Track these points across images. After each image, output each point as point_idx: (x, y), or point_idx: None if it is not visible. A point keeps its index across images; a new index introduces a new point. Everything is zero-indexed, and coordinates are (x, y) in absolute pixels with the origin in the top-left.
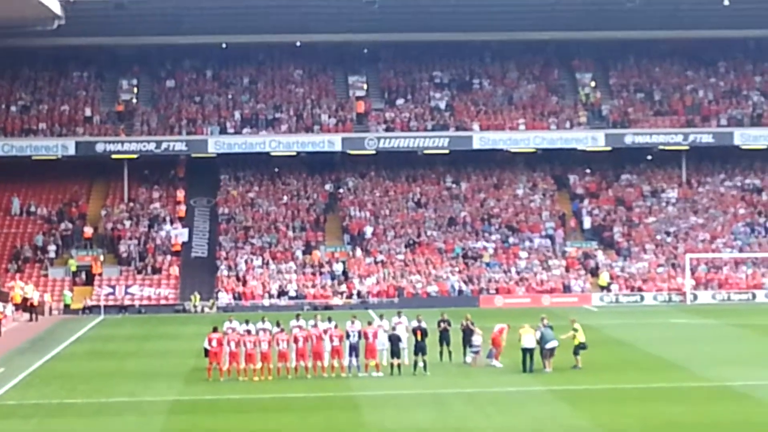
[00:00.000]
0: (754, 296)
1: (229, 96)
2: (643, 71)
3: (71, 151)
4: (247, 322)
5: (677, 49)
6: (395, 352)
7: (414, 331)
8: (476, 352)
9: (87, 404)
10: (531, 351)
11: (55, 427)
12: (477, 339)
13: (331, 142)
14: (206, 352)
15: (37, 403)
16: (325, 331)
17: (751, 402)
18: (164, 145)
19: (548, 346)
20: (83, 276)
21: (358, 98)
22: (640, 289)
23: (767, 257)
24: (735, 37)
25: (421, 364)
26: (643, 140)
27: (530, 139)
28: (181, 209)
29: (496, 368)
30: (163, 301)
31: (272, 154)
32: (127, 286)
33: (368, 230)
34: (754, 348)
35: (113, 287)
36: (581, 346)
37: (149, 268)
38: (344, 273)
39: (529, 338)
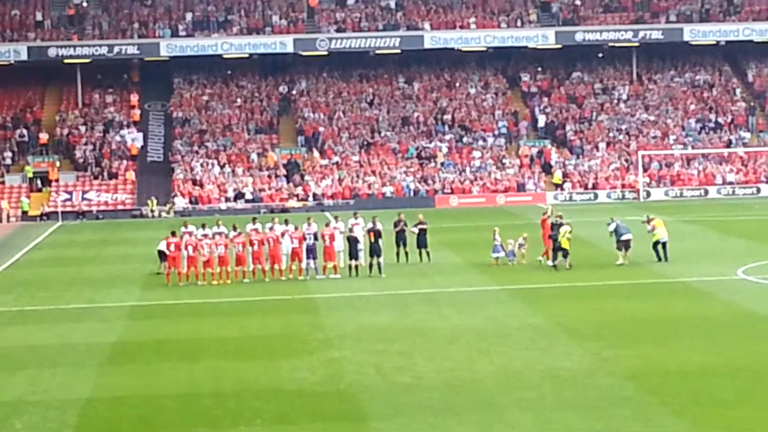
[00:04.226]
0: (706, 192)
1: None
2: None
3: (23, 57)
4: (203, 226)
5: None
6: (353, 254)
7: (368, 233)
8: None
9: (47, 311)
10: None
11: (15, 334)
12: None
13: (282, 43)
14: (160, 255)
15: None
16: (283, 234)
17: (707, 297)
18: (116, 49)
19: (624, 238)
20: (39, 182)
21: None
22: (593, 187)
23: (718, 153)
24: None
25: (376, 265)
26: (594, 37)
27: (481, 37)
28: (136, 113)
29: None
30: (120, 207)
31: (225, 56)
32: (83, 192)
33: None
34: (707, 244)
35: (70, 193)
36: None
37: (105, 174)
38: (300, 175)
39: (662, 231)
